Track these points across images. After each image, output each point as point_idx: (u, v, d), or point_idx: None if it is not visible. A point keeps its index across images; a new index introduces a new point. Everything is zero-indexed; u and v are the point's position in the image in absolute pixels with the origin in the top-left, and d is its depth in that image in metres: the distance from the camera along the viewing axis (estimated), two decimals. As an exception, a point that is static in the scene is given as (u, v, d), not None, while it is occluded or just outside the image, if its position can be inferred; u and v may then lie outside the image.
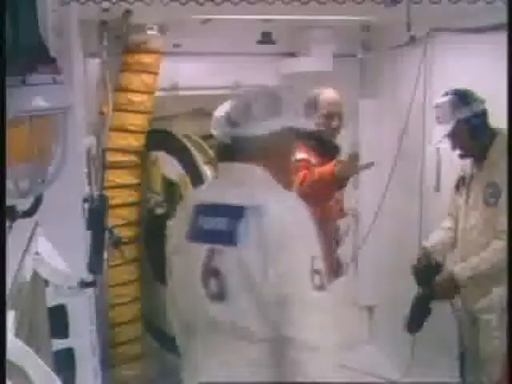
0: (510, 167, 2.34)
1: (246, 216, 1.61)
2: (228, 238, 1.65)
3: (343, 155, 2.98)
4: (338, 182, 2.79)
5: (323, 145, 2.99)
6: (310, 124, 2.00)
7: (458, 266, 2.75)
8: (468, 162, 2.86)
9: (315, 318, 1.53)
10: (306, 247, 1.57)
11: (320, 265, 1.55)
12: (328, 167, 2.77)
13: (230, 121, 1.72)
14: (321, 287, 1.54)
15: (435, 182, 3.41)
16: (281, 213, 1.59)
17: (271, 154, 1.71)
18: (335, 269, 3.19)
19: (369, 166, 2.82)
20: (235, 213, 1.64)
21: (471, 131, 2.71)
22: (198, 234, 1.72)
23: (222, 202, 1.69)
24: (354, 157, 2.80)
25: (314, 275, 1.53)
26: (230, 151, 1.74)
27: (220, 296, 1.62)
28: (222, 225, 1.66)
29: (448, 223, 3.01)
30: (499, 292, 2.65)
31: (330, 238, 3.10)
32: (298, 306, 1.52)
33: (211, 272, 1.65)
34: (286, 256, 1.54)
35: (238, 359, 1.62)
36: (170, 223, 2.24)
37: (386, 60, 3.83)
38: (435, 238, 3.03)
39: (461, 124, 2.70)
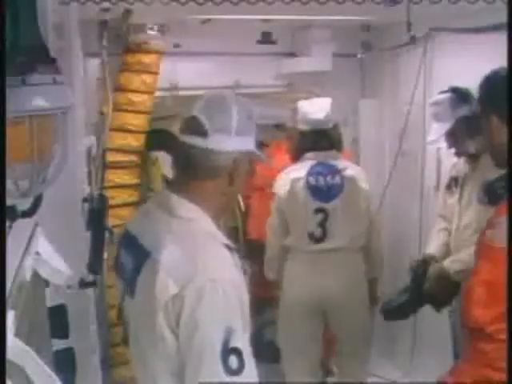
0: (509, 166, 2.33)
1: (146, 267, 1.37)
2: (128, 285, 1.45)
3: None
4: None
5: None
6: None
7: (447, 261, 2.71)
8: (461, 162, 2.86)
9: None
10: (220, 320, 1.27)
11: (239, 341, 1.26)
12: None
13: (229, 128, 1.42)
14: (237, 371, 1.24)
15: (435, 181, 3.41)
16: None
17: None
18: None
19: None
20: (139, 258, 1.41)
21: (469, 130, 2.71)
22: (117, 267, 1.55)
23: (138, 238, 1.46)
24: None
25: (229, 356, 1.24)
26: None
27: (126, 342, 1.51)
28: (129, 266, 1.45)
29: (442, 224, 2.98)
30: None
31: None
32: None
33: (120, 317, 1.54)
34: (195, 331, 1.27)
35: None
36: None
37: (386, 60, 3.83)
38: (435, 243, 2.96)
39: (460, 122, 2.69)
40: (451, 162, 3.00)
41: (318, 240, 2.92)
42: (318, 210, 2.90)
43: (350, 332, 3.07)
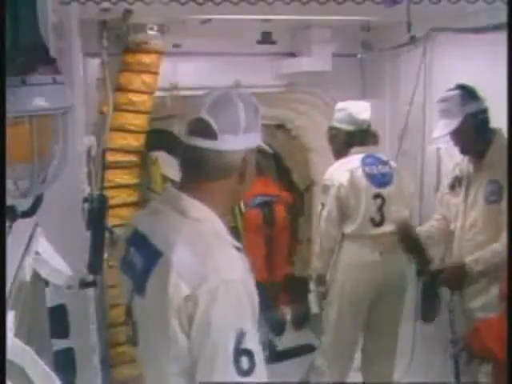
0: (509, 166, 2.33)
1: (158, 267, 1.36)
2: (138, 285, 1.43)
3: None
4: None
5: None
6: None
7: (470, 258, 2.71)
8: (465, 161, 2.85)
9: None
10: (232, 321, 1.28)
11: (251, 342, 1.27)
12: None
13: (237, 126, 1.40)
14: (249, 372, 1.26)
15: (435, 182, 3.41)
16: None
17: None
18: None
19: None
20: (151, 258, 1.39)
21: (477, 127, 2.70)
22: (125, 265, 1.52)
23: (148, 237, 1.44)
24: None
25: (241, 357, 1.26)
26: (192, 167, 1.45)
27: (134, 342, 1.49)
28: (139, 265, 1.43)
29: (438, 215, 3.06)
30: (497, 290, 2.64)
31: None
32: None
33: (129, 316, 1.50)
34: (207, 332, 1.27)
35: None
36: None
37: (386, 60, 3.83)
38: (428, 224, 3.11)
39: (468, 119, 2.69)
40: (451, 161, 3.00)
41: (378, 224, 3.14)
42: (376, 196, 3.14)
43: (389, 320, 3.25)
